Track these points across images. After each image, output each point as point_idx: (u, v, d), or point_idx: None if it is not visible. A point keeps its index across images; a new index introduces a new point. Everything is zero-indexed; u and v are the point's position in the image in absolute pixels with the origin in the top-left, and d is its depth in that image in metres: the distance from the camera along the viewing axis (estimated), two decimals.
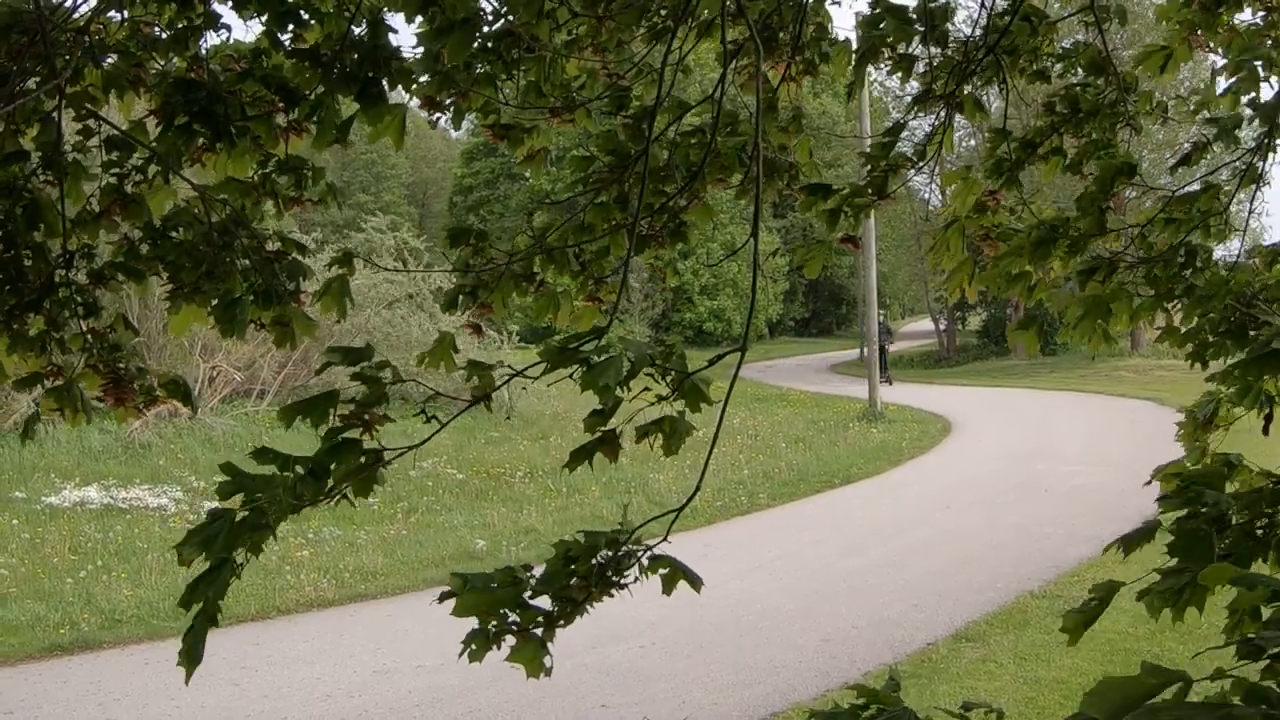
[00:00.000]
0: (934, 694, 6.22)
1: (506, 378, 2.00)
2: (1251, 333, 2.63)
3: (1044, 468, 14.50)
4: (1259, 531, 2.13)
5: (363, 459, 1.86)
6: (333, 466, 1.84)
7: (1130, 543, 2.30)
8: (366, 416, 1.90)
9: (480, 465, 14.88)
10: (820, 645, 7.40)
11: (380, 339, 18.19)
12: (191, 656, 1.85)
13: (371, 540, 10.51)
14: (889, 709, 1.77)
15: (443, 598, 1.90)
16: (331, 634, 7.86)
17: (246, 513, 1.77)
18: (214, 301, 2.66)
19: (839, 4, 19.38)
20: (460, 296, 2.66)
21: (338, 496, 1.84)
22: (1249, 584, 1.80)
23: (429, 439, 2.19)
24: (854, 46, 3.16)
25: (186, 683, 1.97)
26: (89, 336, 2.67)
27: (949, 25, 3.14)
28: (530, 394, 19.45)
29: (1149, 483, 3.03)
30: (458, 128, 2.89)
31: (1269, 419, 2.86)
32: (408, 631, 7.82)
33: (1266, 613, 1.74)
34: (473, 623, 1.94)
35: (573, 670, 6.79)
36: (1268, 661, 1.57)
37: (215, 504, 2.00)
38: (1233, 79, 3.03)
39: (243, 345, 16.62)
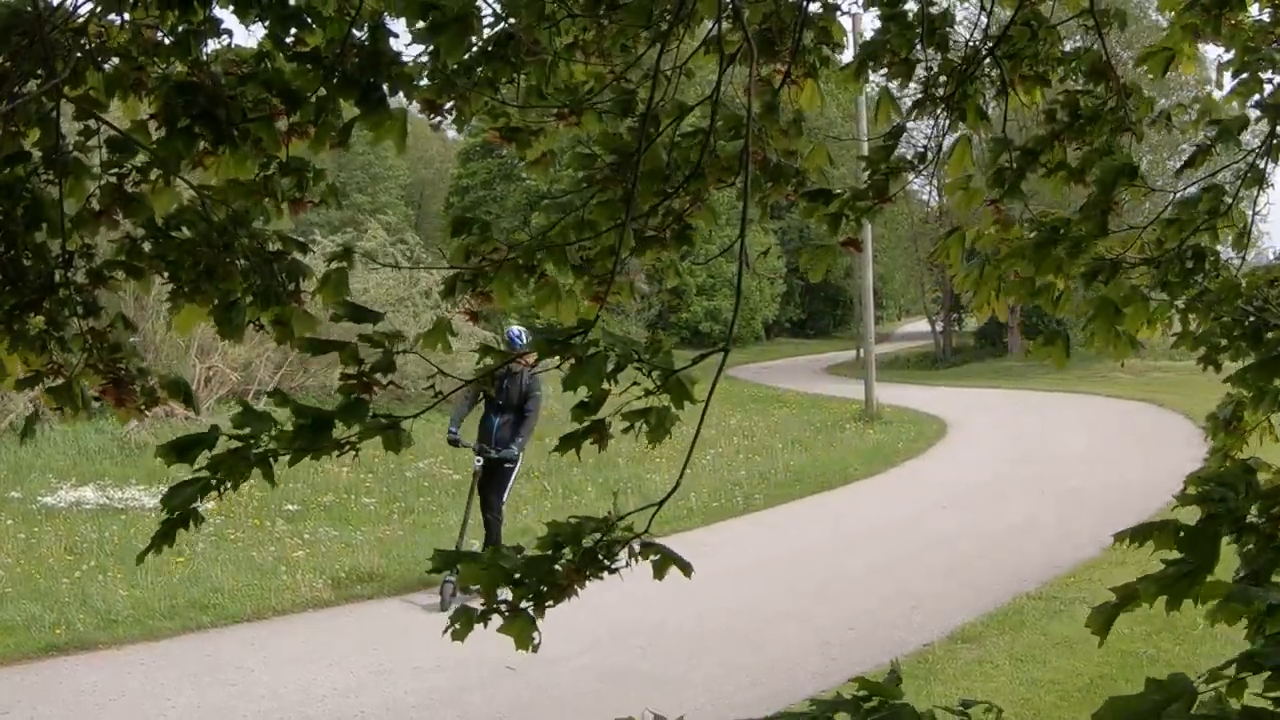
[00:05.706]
0: (930, 695, 6.22)
1: (506, 360, 2.15)
2: (1268, 335, 2.63)
3: (1040, 469, 14.52)
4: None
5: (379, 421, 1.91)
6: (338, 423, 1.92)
7: (1142, 536, 2.29)
8: (367, 380, 1.96)
9: None
10: (818, 647, 7.40)
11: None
12: (156, 542, 2.11)
13: (368, 541, 10.50)
14: (890, 703, 1.77)
15: (431, 571, 2.04)
16: (328, 635, 7.85)
17: (238, 443, 1.83)
18: (215, 301, 2.67)
19: (846, 13, 19.21)
20: (459, 284, 2.69)
21: (349, 449, 1.91)
22: (1244, 599, 1.80)
23: (431, 407, 2.25)
24: (854, 52, 3.17)
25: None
26: (89, 336, 2.67)
27: (949, 30, 3.14)
28: None
29: (1181, 493, 2.99)
30: (461, 131, 2.91)
31: None
32: (404, 632, 7.81)
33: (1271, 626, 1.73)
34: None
35: (570, 671, 6.79)
36: (1269, 675, 1.58)
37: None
38: (1236, 79, 3.03)
39: (239, 346, 16.62)
